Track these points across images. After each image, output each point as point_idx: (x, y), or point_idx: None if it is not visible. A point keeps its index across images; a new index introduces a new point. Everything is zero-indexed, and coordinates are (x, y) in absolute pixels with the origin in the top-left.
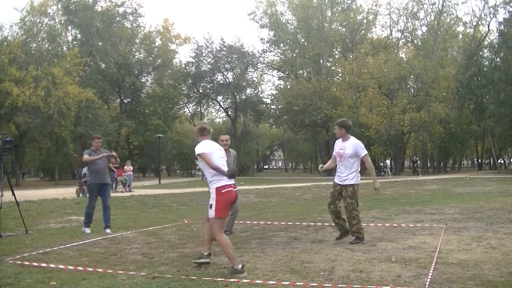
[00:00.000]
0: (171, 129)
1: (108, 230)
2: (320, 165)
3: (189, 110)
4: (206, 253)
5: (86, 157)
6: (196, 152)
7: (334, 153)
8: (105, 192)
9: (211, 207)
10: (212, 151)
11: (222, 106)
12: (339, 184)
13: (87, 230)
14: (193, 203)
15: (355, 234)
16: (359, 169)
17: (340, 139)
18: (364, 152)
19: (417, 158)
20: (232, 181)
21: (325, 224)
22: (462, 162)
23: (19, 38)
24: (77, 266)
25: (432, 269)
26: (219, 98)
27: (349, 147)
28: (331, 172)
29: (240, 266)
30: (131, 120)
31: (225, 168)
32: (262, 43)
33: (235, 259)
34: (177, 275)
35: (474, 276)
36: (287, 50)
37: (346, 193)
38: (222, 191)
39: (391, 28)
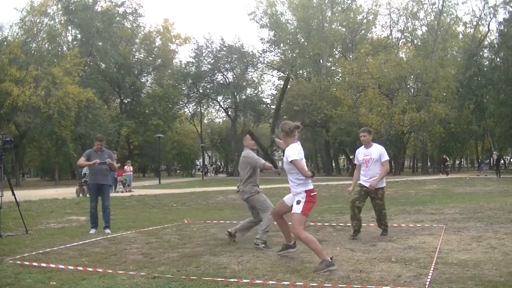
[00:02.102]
0: (171, 129)
1: (107, 230)
2: (348, 190)
3: (189, 110)
4: (291, 243)
5: (81, 160)
6: (290, 159)
7: (357, 161)
8: (104, 192)
9: (298, 203)
10: (302, 157)
11: (222, 106)
12: (367, 187)
13: (92, 231)
14: (193, 203)
15: (383, 226)
16: None
17: (362, 147)
18: (387, 157)
19: (447, 157)
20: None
21: (325, 224)
22: (462, 162)
23: (19, 38)
24: (77, 266)
25: (432, 269)
26: (219, 98)
27: (374, 152)
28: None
29: (329, 258)
30: (131, 120)
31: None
32: (262, 43)
33: (322, 253)
34: (177, 275)
35: (474, 276)
36: (287, 50)
37: (376, 195)
38: (311, 194)
39: (391, 28)
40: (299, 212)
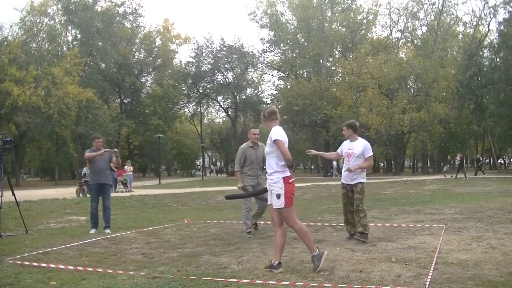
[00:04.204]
0: (171, 129)
1: (108, 230)
2: (309, 151)
3: (189, 110)
4: (276, 262)
5: (87, 154)
6: (273, 138)
7: (339, 151)
8: (105, 192)
9: (278, 197)
10: (285, 139)
11: (222, 106)
12: (349, 184)
13: (92, 231)
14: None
15: (361, 228)
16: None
17: (348, 140)
18: (370, 153)
19: (481, 156)
20: None
21: (325, 224)
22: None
23: (19, 38)
24: (77, 266)
25: (432, 269)
26: (219, 98)
27: (357, 147)
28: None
29: (317, 251)
30: (131, 120)
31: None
32: (262, 43)
33: (313, 247)
34: (177, 275)
35: (474, 276)
36: (287, 50)
37: (355, 189)
38: (290, 180)
39: (391, 28)
40: (283, 207)
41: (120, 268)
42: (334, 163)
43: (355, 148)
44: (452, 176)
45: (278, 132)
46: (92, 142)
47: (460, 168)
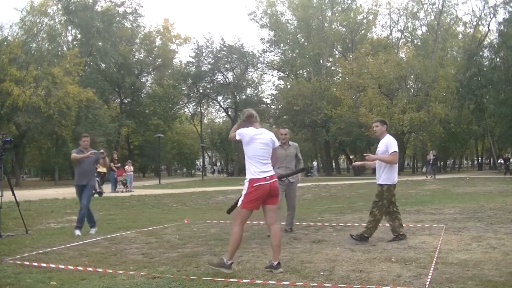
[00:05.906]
0: (171, 129)
1: (77, 232)
2: (355, 163)
3: (189, 110)
4: (276, 262)
5: (74, 155)
6: (236, 137)
7: None
8: (84, 193)
9: (241, 195)
10: (252, 134)
11: (222, 106)
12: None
13: (92, 231)
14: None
15: (364, 229)
16: (392, 169)
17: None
18: (393, 149)
19: (509, 156)
20: (270, 172)
21: (325, 224)
22: (463, 162)
23: (19, 38)
24: (77, 266)
25: (432, 269)
26: (219, 98)
27: (382, 144)
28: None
29: (229, 262)
30: (131, 120)
31: (264, 158)
32: (262, 43)
33: (232, 255)
34: (177, 275)
35: (474, 276)
36: (287, 50)
37: (376, 190)
38: (254, 184)
39: (391, 28)
40: (239, 206)
41: (120, 268)
42: (314, 163)
43: (380, 146)
44: (428, 176)
45: (245, 130)
46: (79, 140)
47: (434, 166)
